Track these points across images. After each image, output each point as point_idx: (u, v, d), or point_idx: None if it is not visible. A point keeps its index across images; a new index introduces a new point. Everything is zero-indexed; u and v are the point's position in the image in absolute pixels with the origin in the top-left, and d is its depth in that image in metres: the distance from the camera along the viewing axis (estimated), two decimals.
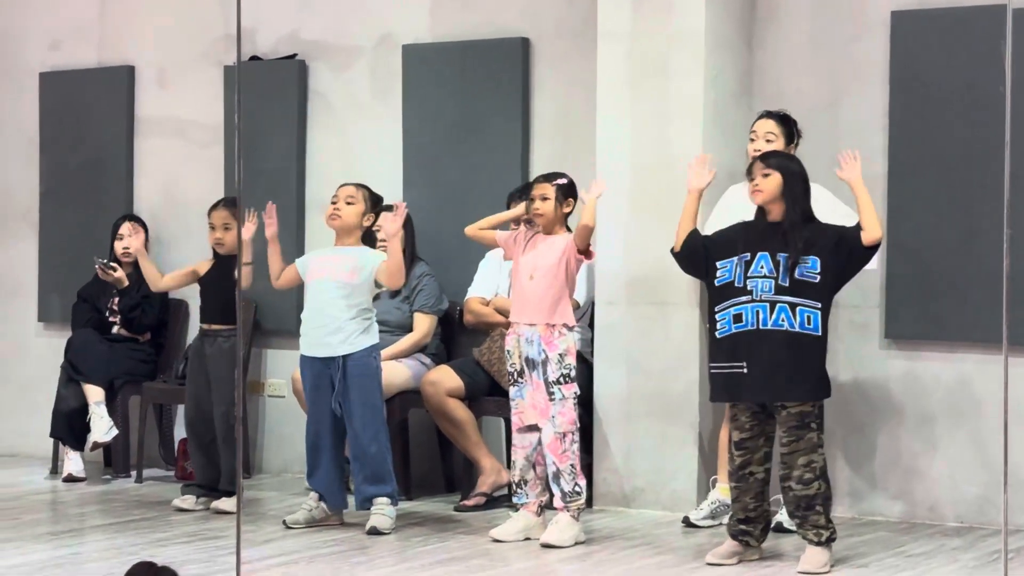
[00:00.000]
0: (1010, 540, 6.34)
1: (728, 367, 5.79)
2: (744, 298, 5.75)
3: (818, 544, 5.74)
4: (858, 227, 5.80)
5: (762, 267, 5.74)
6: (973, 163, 6.71)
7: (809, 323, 5.70)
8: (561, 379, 6.27)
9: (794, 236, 5.72)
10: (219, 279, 7.06)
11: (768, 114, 6.59)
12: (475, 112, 7.79)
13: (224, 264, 7.09)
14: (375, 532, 6.47)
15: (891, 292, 6.89)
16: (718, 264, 5.83)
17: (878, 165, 6.94)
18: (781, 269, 5.70)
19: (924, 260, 6.82)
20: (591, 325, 7.25)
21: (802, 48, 7.12)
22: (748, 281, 5.75)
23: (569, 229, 6.52)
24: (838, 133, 7.01)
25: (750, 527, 5.85)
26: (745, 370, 5.74)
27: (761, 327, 5.71)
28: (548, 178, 6.46)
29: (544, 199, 6.37)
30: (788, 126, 6.57)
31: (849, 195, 6.73)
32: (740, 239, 5.84)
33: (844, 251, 5.75)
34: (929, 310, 6.82)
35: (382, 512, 6.54)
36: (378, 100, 8.09)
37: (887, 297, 6.90)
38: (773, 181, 5.79)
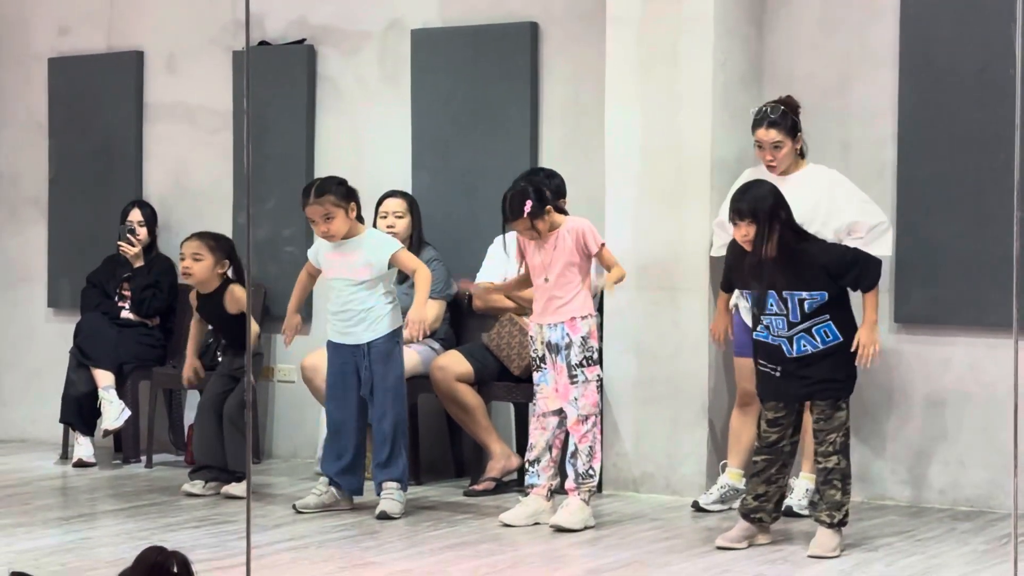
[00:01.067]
0: (1020, 524, 6.33)
1: (763, 366, 5.86)
2: (764, 332, 5.81)
3: (829, 526, 5.74)
4: (854, 265, 5.81)
5: (772, 306, 5.76)
6: (983, 147, 6.69)
7: (828, 336, 5.76)
8: (584, 362, 6.29)
9: (788, 275, 5.71)
10: (214, 319, 7.12)
11: (768, 123, 6.51)
12: (484, 97, 7.78)
13: (209, 304, 7.06)
14: (385, 516, 6.47)
15: (901, 276, 6.87)
16: (743, 294, 5.92)
17: (888, 150, 6.93)
18: (791, 306, 5.74)
19: (934, 244, 6.81)
20: (600, 310, 7.24)
21: (812, 32, 7.11)
22: (763, 318, 5.78)
23: (565, 212, 6.52)
24: (848, 118, 7.00)
25: (765, 503, 5.84)
26: (778, 373, 5.80)
27: (785, 356, 5.77)
28: (514, 213, 6.29)
29: (528, 228, 6.30)
30: (787, 121, 6.52)
31: (863, 178, 6.73)
32: (742, 274, 5.88)
33: (838, 281, 5.79)
34: (939, 294, 6.81)
35: (392, 497, 6.55)
36: (387, 85, 8.08)
37: (897, 281, 6.89)
38: (755, 229, 5.79)
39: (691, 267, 6.93)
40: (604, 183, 7.15)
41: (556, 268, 6.30)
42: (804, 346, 5.75)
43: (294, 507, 6.66)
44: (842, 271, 5.78)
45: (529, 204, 6.29)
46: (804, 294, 5.71)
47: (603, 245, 6.36)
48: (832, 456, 5.74)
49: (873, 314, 5.92)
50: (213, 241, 7.07)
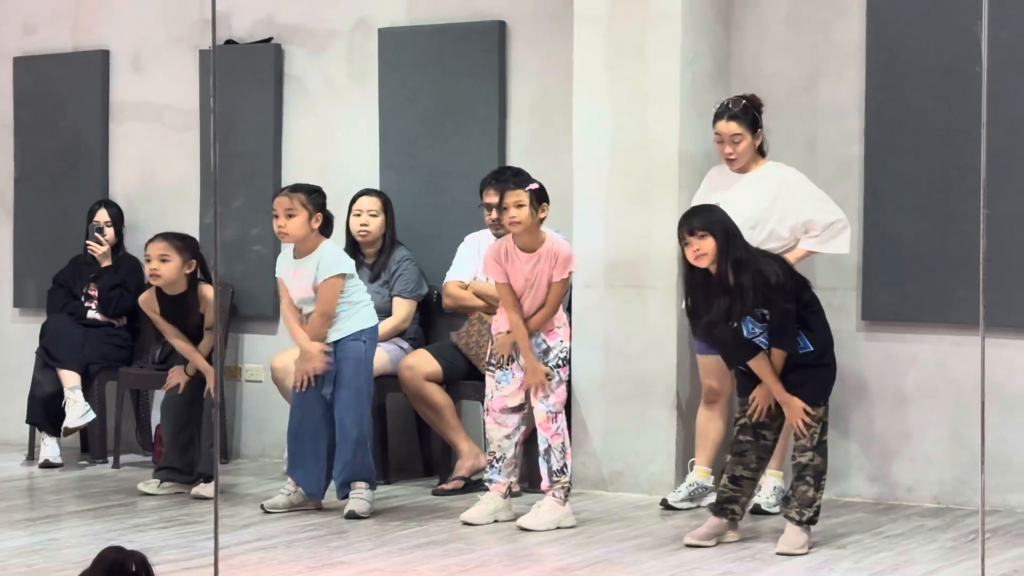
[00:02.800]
0: (987, 520, 6.36)
1: (742, 368, 5.86)
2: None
3: (798, 523, 5.75)
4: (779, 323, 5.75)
5: (752, 328, 5.74)
6: (950, 145, 6.71)
7: (800, 345, 5.76)
8: (560, 363, 6.29)
9: (750, 297, 5.67)
10: (177, 319, 7.09)
11: (728, 115, 6.53)
12: (452, 95, 7.77)
13: (175, 304, 7.07)
14: (353, 516, 6.46)
15: (868, 274, 6.89)
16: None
17: (855, 147, 6.95)
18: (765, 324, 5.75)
19: (901, 242, 6.83)
20: (569, 308, 7.24)
21: (779, 30, 7.12)
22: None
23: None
24: (815, 115, 7.02)
25: (739, 493, 5.83)
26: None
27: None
28: (519, 184, 6.28)
29: (519, 206, 6.19)
30: (749, 115, 6.53)
31: (830, 176, 6.75)
32: (706, 310, 5.75)
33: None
34: (906, 291, 6.83)
35: (360, 496, 6.53)
36: (354, 84, 8.07)
37: (864, 279, 6.91)
38: (711, 242, 5.72)
39: (659, 265, 6.94)
40: (572, 181, 7.15)
41: (539, 286, 6.27)
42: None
43: (262, 507, 6.64)
44: (768, 289, 5.72)
45: (536, 184, 6.28)
46: (764, 311, 5.71)
47: (569, 275, 6.31)
48: (807, 452, 5.75)
49: (773, 376, 5.73)
50: (179, 241, 7.05)
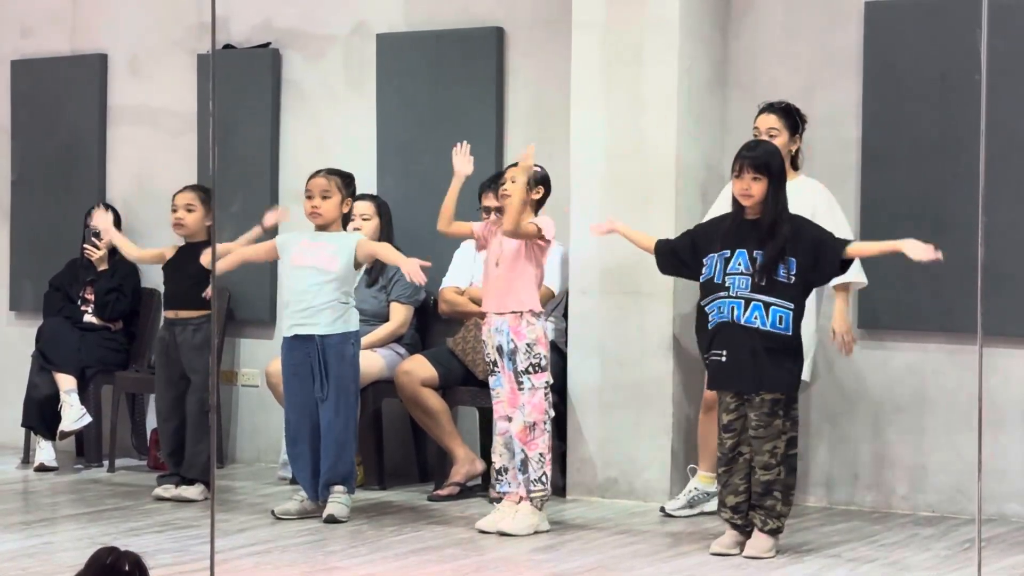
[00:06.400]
0: (983, 529, 6.36)
1: (713, 355, 5.85)
2: (722, 294, 5.79)
3: (762, 531, 5.76)
4: (842, 240, 5.83)
5: (739, 264, 5.75)
6: (947, 153, 6.72)
7: (781, 323, 5.74)
8: (531, 368, 6.26)
9: (774, 235, 5.72)
10: (184, 265, 7.07)
11: (770, 108, 6.53)
12: (449, 101, 7.77)
13: (189, 251, 7.09)
14: (332, 520, 6.44)
15: None
16: (704, 260, 5.85)
17: (852, 155, 6.95)
18: (758, 267, 5.72)
19: None
20: (565, 315, 7.24)
21: (776, 38, 7.13)
22: (727, 278, 5.76)
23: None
24: (812, 123, 7.00)
25: (743, 515, 5.82)
26: (724, 359, 5.79)
27: (735, 321, 5.74)
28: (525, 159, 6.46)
29: (514, 181, 6.32)
30: (790, 118, 6.53)
31: (827, 183, 6.73)
32: (719, 235, 5.85)
33: (818, 255, 5.76)
34: (903, 300, 6.83)
35: (339, 500, 6.51)
36: (352, 89, 8.07)
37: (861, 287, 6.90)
38: (763, 185, 5.77)
39: (655, 271, 6.90)
40: (569, 188, 7.15)
41: (506, 254, 6.28)
42: (754, 318, 5.72)
43: (273, 513, 6.61)
44: (816, 236, 5.77)
45: (540, 169, 6.42)
46: (779, 256, 5.71)
47: (549, 239, 6.35)
48: (773, 468, 5.74)
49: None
50: (204, 193, 7.18)
